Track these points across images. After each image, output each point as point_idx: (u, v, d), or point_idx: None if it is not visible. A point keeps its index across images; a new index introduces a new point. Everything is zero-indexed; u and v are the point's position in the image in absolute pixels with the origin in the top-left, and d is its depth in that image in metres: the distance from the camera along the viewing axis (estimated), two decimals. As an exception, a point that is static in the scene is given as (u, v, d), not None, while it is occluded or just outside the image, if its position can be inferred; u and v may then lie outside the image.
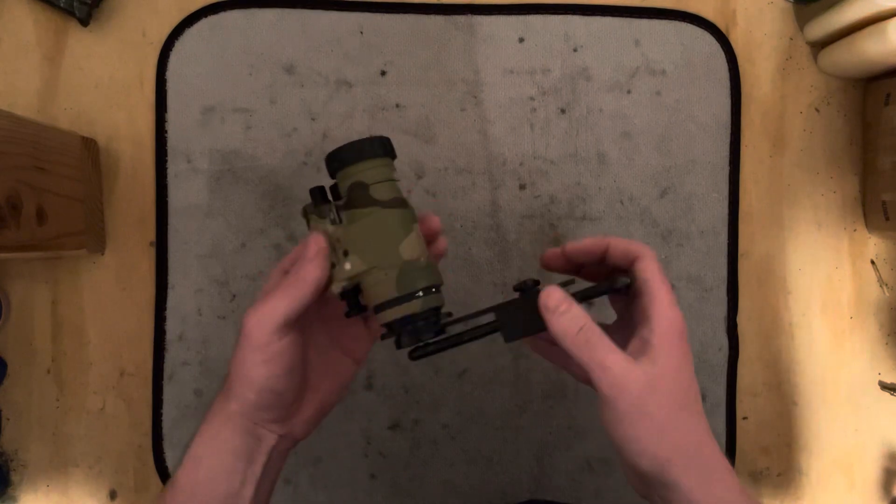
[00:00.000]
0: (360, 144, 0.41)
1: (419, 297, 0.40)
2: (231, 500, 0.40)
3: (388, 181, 0.41)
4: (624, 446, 0.37)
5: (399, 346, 0.41)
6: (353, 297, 0.42)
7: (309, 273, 0.39)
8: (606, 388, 0.36)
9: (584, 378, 0.41)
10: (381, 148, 0.41)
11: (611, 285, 0.40)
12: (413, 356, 0.41)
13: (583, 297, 0.40)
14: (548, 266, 0.44)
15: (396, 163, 0.43)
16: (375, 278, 0.40)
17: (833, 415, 0.69)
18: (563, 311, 0.37)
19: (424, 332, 0.40)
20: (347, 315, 0.42)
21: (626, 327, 0.42)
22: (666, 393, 0.37)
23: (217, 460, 0.40)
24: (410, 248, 0.40)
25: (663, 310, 0.38)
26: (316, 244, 0.40)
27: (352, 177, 0.41)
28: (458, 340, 0.41)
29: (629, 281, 0.40)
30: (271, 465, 0.42)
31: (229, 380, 0.40)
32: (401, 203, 0.41)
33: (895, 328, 0.69)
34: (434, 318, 0.41)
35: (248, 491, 0.40)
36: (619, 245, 0.41)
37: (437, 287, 0.41)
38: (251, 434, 0.40)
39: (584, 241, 0.42)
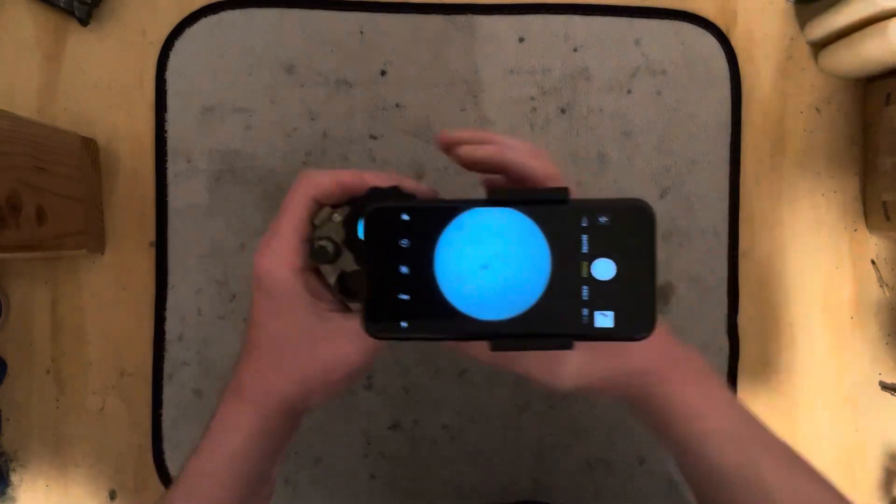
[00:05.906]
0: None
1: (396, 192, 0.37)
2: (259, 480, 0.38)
3: None
4: (612, 378, 0.38)
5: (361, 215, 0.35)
6: (345, 283, 0.39)
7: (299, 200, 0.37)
8: None
9: (536, 376, 0.39)
10: None
11: (547, 195, 0.32)
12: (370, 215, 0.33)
13: (517, 200, 0.31)
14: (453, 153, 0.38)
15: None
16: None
17: (833, 415, 0.69)
18: None
19: (388, 196, 0.36)
20: (342, 291, 0.39)
21: None
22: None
23: (239, 439, 0.37)
24: None
25: None
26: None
27: None
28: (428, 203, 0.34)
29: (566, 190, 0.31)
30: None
31: (281, 361, 0.37)
32: None
33: (895, 328, 0.69)
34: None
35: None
36: (518, 167, 0.35)
37: None
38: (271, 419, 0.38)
39: (478, 152, 0.36)
